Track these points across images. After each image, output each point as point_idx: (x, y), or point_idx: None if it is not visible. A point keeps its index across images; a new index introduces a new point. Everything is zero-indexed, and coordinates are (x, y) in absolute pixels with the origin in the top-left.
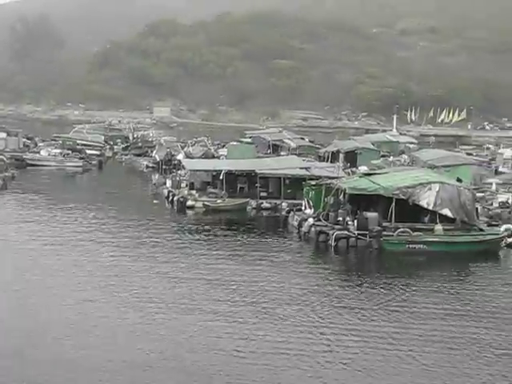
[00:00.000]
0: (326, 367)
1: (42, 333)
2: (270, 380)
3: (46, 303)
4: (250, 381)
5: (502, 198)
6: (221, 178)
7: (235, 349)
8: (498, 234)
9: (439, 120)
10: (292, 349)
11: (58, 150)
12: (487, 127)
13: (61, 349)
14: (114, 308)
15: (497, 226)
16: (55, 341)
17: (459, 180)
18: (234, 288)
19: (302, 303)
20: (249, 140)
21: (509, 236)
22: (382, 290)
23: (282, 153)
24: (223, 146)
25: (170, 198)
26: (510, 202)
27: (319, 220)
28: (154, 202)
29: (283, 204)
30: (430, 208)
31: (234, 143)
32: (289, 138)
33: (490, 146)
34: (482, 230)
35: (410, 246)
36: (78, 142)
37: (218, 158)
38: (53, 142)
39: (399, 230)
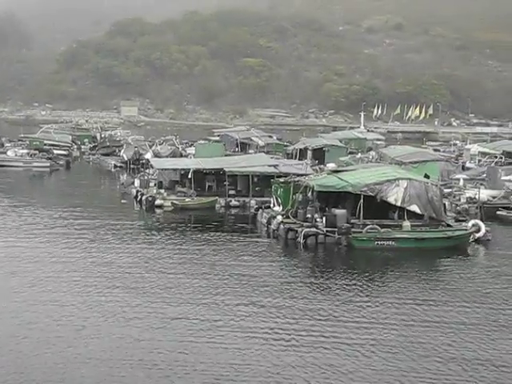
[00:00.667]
0: (284, 360)
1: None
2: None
3: (7, 303)
4: (217, 374)
5: (469, 193)
6: (189, 176)
7: (200, 342)
8: (466, 230)
9: (406, 117)
10: (255, 343)
11: (25, 151)
12: (454, 123)
13: (24, 347)
14: (77, 306)
15: (464, 221)
16: (17, 339)
17: (427, 176)
18: (200, 284)
19: (268, 299)
20: (217, 138)
21: (476, 231)
22: (348, 285)
23: (250, 151)
24: (191, 144)
25: (139, 197)
26: (477, 197)
27: (288, 217)
28: (122, 201)
29: (252, 202)
30: (398, 204)
31: (202, 142)
32: (257, 136)
33: (457, 141)
34: (449, 225)
35: (379, 242)
36: (46, 142)
37: (186, 156)
38: (20, 143)
39: (368, 227)
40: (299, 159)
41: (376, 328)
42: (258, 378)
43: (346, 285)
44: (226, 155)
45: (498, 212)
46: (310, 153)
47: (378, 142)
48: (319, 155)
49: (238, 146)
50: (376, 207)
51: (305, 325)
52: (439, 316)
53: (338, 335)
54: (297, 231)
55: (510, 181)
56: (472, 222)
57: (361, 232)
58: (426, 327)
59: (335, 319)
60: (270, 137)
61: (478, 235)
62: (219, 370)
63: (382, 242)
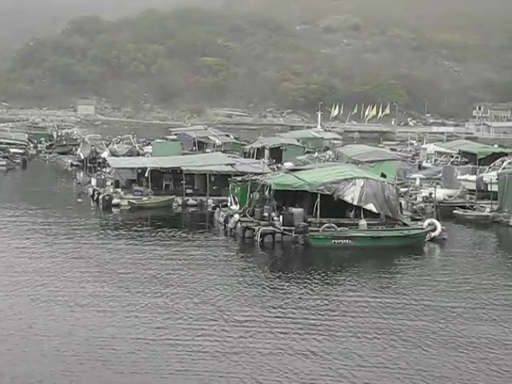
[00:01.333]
0: (231, 358)
1: None
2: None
3: None
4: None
5: (425, 192)
6: (146, 175)
7: (151, 339)
8: (422, 229)
9: (363, 116)
10: (204, 335)
11: None
12: (410, 123)
13: None
14: (25, 306)
15: (420, 220)
16: None
17: (383, 175)
18: (154, 282)
19: (223, 297)
20: (174, 137)
21: (432, 230)
22: (304, 283)
23: (207, 150)
24: (148, 143)
25: (95, 196)
26: (433, 196)
27: (245, 216)
28: (79, 200)
29: (209, 200)
30: (355, 203)
31: (160, 140)
32: (214, 135)
33: (414, 141)
34: (406, 224)
35: (336, 241)
36: (2, 140)
37: (144, 155)
38: None
39: (325, 226)
40: (257, 158)
41: (329, 320)
42: (207, 372)
43: (303, 282)
44: (183, 154)
45: (455, 211)
46: (267, 152)
47: (335, 142)
48: (277, 154)
49: (195, 145)
50: (333, 206)
51: (259, 321)
52: (390, 309)
53: (293, 327)
54: (254, 230)
55: (466, 180)
56: (428, 221)
57: (318, 231)
58: (378, 318)
59: (291, 315)
60: (228, 136)
61: (433, 234)
62: (171, 364)
63: (338, 241)
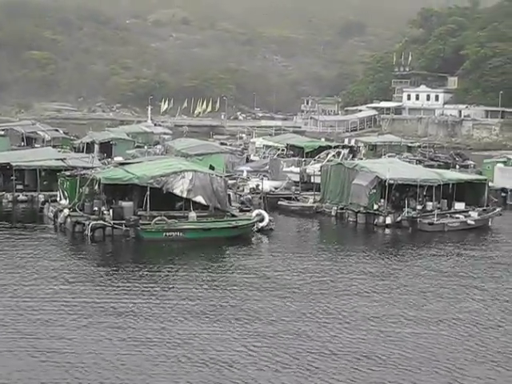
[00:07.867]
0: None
1: None
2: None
3: None
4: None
5: (252, 184)
6: None
7: None
8: (249, 220)
9: (194, 111)
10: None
11: None
12: (240, 117)
13: None
14: None
15: (249, 211)
16: None
17: (212, 167)
18: None
19: (50, 291)
20: (1, 133)
21: (260, 221)
22: (134, 276)
23: (36, 145)
24: None
25: None
26: (260, 187)
27: (75, 210)
28: None
29: (40, 196)
30: (184, 196)
31: None
32: (43, 130)
33: (243, 135)
34: (234, 215)
35: (167, 233)
36: None
37: None
38: None
39: (156, 219)
40: (87, 153)
41: (157, 310)
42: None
43: (133, 275)
44: (11, 150)
45: (280, 202)
46: (97, 146)
47: (166, 136)
48: (107, 149)
49: (23, 141)
50: (163, 199)
51: (87, 313)
52: (219, 300)
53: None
54: (84, 224)
55: (291, 172)
56: (256, 211)
57: (149, 224)
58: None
59: (118, 310)
60: (57, 131)
61: (261, 224)
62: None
63: (170, 233)
